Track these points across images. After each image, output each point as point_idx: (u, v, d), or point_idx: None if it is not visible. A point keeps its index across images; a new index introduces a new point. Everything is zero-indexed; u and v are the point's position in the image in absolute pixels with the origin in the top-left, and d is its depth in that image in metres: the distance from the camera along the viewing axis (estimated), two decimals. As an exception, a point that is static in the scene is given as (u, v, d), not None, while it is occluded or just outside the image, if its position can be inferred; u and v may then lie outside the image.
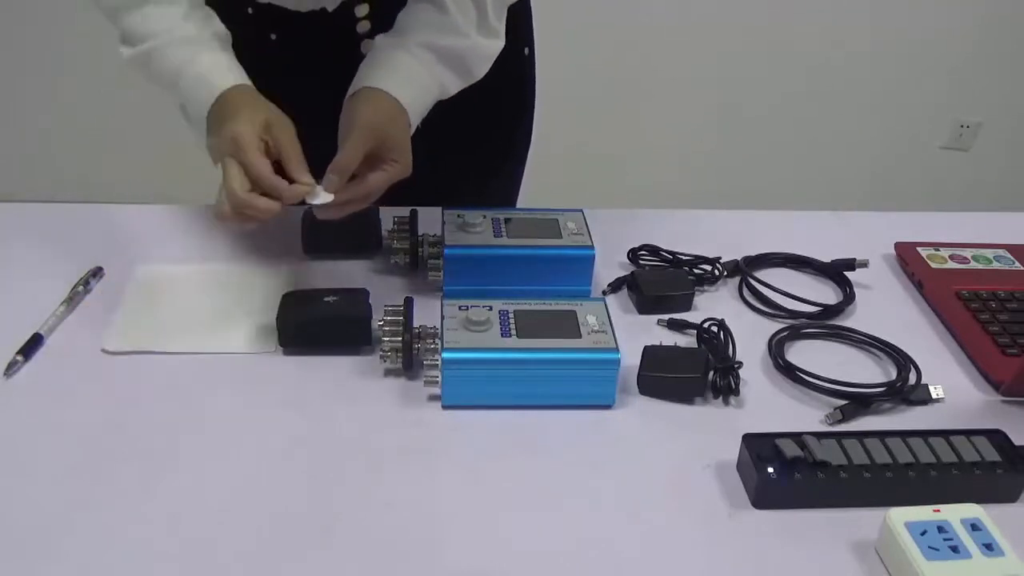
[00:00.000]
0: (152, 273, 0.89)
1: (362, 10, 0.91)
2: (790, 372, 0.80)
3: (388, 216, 0.92)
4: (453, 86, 0.86)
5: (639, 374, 0.77)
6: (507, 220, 0.89)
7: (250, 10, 0.93)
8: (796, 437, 0.68)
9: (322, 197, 0.75)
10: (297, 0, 0.90)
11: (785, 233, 1.02)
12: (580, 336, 0.75)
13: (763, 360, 0.82)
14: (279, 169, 0.74)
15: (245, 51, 0.98)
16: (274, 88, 0.98)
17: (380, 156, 0.77)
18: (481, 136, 1.06)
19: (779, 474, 0.66)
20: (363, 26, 0.92)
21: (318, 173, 0.76)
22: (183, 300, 0.86)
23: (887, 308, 0.92)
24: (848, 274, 0.94)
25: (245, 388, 0.76)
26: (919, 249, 0.98)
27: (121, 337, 0.80)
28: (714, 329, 0.83)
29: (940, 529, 0.61)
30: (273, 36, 0.94)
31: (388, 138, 0.77)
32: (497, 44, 0.87)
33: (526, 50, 1.05)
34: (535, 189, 1.17)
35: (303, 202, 0.75)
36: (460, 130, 1.04)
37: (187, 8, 0.80)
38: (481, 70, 0.87)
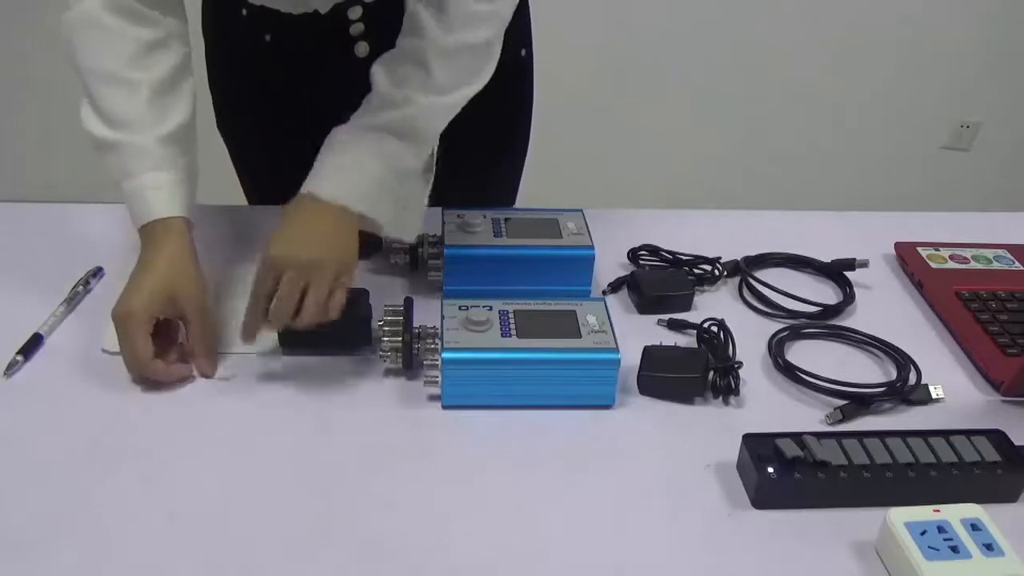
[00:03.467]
0: None
1: (355, 12, 0.91)
2: (790, 372, 0.80)
3: (388, 216, 0.92)
4: (412, 158, 0.81)
5: (639, 374, 0.77)
6: (507, 220, 0.89)
7: (244, 11, 0.93)
8: (796, 437, 0.68)
9: (221, 372, 0.78)
10: (289, 2, 0.89)
11: (785, 233, 1.02)
12: (580, 336, 0.75)
13: (763, 360, 0.82)
14: None
15: (240, 52, 0.99)
16: (269, 88, 0.98)
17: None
18: (479, 136, 1.06)
19: (779, 474, 0.66)
20: (356, 28, 0.92)
21: None
22: None
23: (887, 308, 0.92)
24: (848, 274, 0.94)
25: (245, 388, 0.76)
26: (919, 249, 0.98)
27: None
28: (714, 329, 0.83)
29: (940, 529, 0.61)
30: (267, 37, 0.94)
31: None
32: (457, 96, 0.80)
33: (523, 52, 1.05)
34: (535, 189, 1.17)
35: None
36: (458, 130, 1.04)
37: (147, 95, 0.77)
38: (439, 129, 0.82)
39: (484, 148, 1.07)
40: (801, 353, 0.83)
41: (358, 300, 0.81)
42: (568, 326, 0.76)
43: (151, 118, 0.78)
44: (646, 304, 0.88)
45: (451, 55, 0.78)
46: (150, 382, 0.75)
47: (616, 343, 0.74)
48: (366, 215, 0.76)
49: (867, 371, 0.82)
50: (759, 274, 0.94)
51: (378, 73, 0.79)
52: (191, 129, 0.82)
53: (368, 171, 0.77)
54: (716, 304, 0.90)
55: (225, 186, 1.05)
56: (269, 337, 0.80)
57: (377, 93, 0.79)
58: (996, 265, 0.97)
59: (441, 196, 0.92)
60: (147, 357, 0.74)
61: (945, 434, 0.70)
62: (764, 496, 0.66)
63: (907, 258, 0.98)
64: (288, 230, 0.75)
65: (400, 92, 0.77)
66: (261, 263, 0.74)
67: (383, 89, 0.78)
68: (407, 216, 0.83)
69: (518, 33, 1.04)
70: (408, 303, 0.78)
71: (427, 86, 0.78)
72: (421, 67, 0.77)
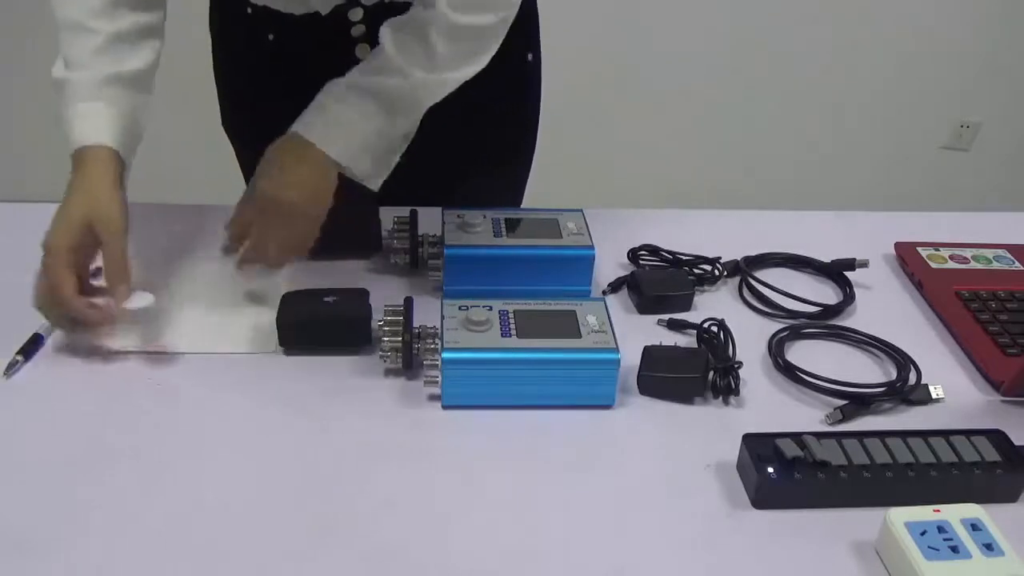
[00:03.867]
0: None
1: (355, 15, 0.91)
2: (790, 372, 0.80)
3: (388, 216, 0.92)
4: (400, 126, 0.84)
5: (639, 374, 0.77)
6: (507, 220, 0.89)
7: (249, 10, 0.93)
8: (796, 437, 0.68)
9: (137, 301, 0.77)
10: (290, 3, 0.90)
11: (785, 233, 1.02)
12: (580, 336, 0.75)
13: (763, 360, 0.82)
14: None
15: (244, 51, 0.99)
16: (272, 87, 0.98)
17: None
18: (484, 139, 1.06)
19: (779, 474, 0.66)
20: (358, 30, 0.92)
21: None
22: (182, 297, 0.86)
23: (887, 308, 0.92)
24: (848, 274, 0.94)
25: (245, 388, 0.76)
26: (919, 249, 0.98)
27: (121, 335, 0.80)
28: (714, 329, 0.83)
29: (940, 529, 0.61)
30: (271, 36, 0.95)
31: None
32: (454, 76, 0.83)
33: (530, 56, 1.05)
34: (535, 189, 1.17)
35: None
36: (463, 132, 1.04)
37: (104, 41, 0.79)
38: (427, 103, 0.85)
39: (491, 154, 1.07)
40: (801, 353, 0.83)
41: (358, 300, 0.81)
42: (568, 326, 0.76)
43: (102, 61, 0.79)
44: (646, 304, 0.88)
45: (455, 34, 0.80)
46: (154, 372, 0.75)
47: (616, 343, 0.74)
48: (346, 167, 0.81)
49: (867, 371, 0.82)
50: (759, 274, 0.94)
51: (385, 35, 0.81)
52: (145, 82, 0.83)
53: (357, 129, 0.80)
54: (716, 304, 0.90)
55: (231, 186, 1.06)
56: (270, 337, 0.80)
57: (380, 53, 0.80)
58: (996, 265, 0.97)
59: (446, 200, 0.92)
60: (67, 292, 0.73)
61: (945, 434, 0.70)
62: (764, 496, 0.66)
63: (907, 258, 0.98)
64: (274, 168, 0.79)
65: (400, 59, 0.79)
66: (247, 199, 0.81)
67: (386, 52, 0.80)
68: (380, 169, 0.85)
69: (525, 37, 1.04)
70: (408, 303, 0.78)
71: (426, 61, 0.80)
72: (424, 40, 0.79)
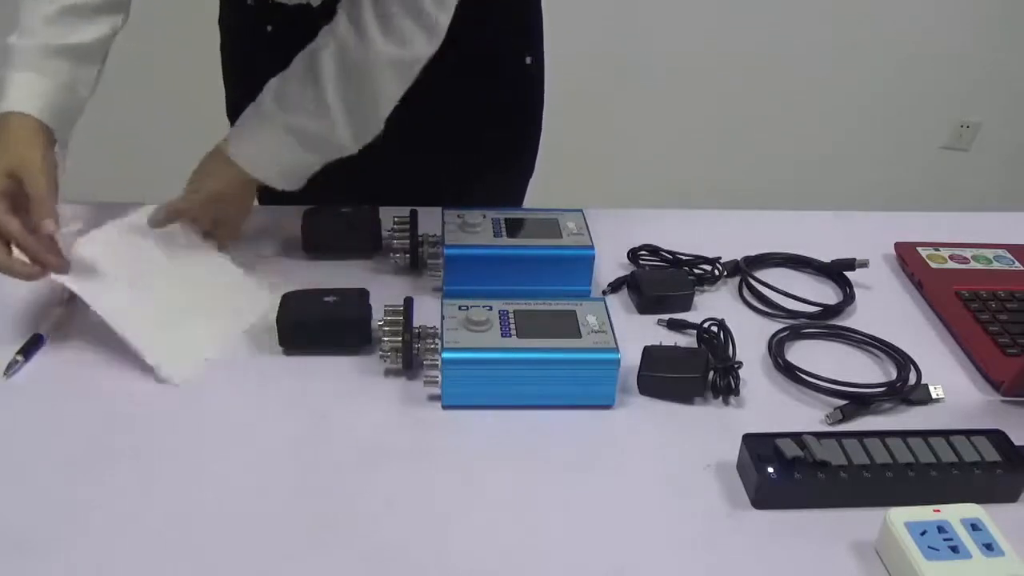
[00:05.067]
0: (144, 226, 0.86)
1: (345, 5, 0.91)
2: (790, 372, 0.80)
3: (388, 216, 0.92)
4: (314, 163, 0.88)
5: (639, 374, 0.77)
6: (507, 220, 0.89)
7: (250, 1, 0.96)
8: (796, 437, 0.68)
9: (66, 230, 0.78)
10: None
11: (785, 233, 1.02)
12: (580, 336, 0.75)
13: (763, 360, 0.82)
14: None
15: (246, 43, 1.00)
16: (270, 79, 0.99)
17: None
18: (484, 141, 1.06)
19: (779, 474, 0.66)
20: None
21: None
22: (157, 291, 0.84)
23: (887, 308, 0.92)
24: (848, 274, 0.94)
25: (245, 388, 0.76)
26: (919, 249, 0.98)
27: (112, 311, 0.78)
28: (714, 329, 0.83)
29: (940, 529, 0.61)
30: (269, 28, 0.96)
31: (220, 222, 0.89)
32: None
33: (528, 59, 1.05)
34: (535, 189, 1.17)
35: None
36: (462, 133, 1.04)
37: (56, 11, 0.81)
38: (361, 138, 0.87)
39: (491, 156, 1.07)
40: (801, 353, 0.83)
41: (358, 300, 0.81)
42: (568, 326, 0.76)
43: (50, 31, 0.81)
44: (646, 304, 0.88)
45: (388, 72, 0.82)
46: (154, 372, 0.75)
47: (616, 343, 0.74)
48: (264, 181, 0.86)
49: (867, 371, 0.82)
50: (759, 274, 0.94)
51: (326, 67, 0.82)
52: (92, 55, 0.84)
53: (278, 158, 0.86)
54: (716, 304, 0.90)
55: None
56: (270, 337, 0.80)
57: (298, 83, 0.84)
58: (996, 265, 0.97)
59: (446, 200, 0.92)
60: (14, 228, 0.74)
61: (945, 434, 0.70)
62: (764, 496, 0.66)
63: (907, 258, 0.98)
64: (205, 178, 0.86)
65: (338, 106, 0.83)
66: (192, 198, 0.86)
67: (302, 89, 0.84)
68: (294, 183, 0.88)
69: (523, 41, 1.04)
70: (408, 303, 0.78)
71: (358, 113, 0.84)
72: (365, 88, 0.82)
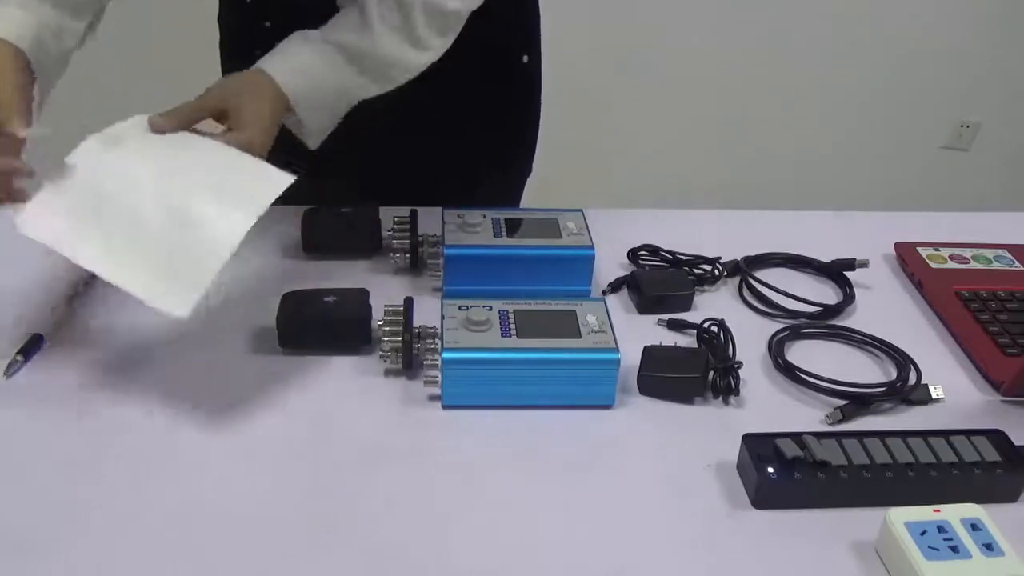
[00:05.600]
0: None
1: (345, 0, 0.91)
2: (790, 372, 0.80)
3: (388, 216, 0.92)
4: (360, 88, 0.85)
5: (639, 374, 0.77)
6: (507, 220, 0.89)
7: None
8: (796, 437, 0.68)
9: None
10: None
11: (785, 233, 1.02)
12: (580, 336, 0.75)
13: (763, 360, 0.82)
14: None
15: (246, 39, 1.00)
16: None
17: (226, 125, 0.78)
18: (483, 140, 1.06)
19: (779, 474, 0.66)
20: None
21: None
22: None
23: (887, 308, 0.92)
24: (848, 274, 0.94)
25: (245, 388, 0.76)
26: (919, 249, 0.98)
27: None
28: (714, 329, 0.83)
29: (940, 529, 0.61)
30: (267, 24, 0.96)
31: (234, 110, 0.78)
32: (422, 57, 0.86)
33: (525, 58, 1.05)
34: (535, 189, 1.17)
35: None
36: (461, 132, 1.04)
37: None
38: (398, 77, 0.86)
39: (489, 155, 1.07)
40: (801, 353, 0.83)
41: (358, 300, 0.81)
42: (568, 326, 0.76)
43: None
44: (646, 304, 0.88)
45: (434, 16, 0.83)
46: (154, 372, 0.75)
47: (616, 343, 0.74)
48: (298, 115, 0.81)
49: (867, 371, 0.82)
50: (759, 274, 0.94)
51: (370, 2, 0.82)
52: (81, 11, 0.83)
53: (322, 83, 0.82)
54: (716, 304, 0.90)
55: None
56: (270, 337, 0.80)
57: (361, 13, 0.82)
58: (996, 265, 0.97)
59: (445, 200, 0.92)
60: None
61: (945, 434, 0.70)
62: (764, 496, 0.66)
63: (907, 258, 0.98)
64: (233, 78, 0.81)
65: (381, 26, 0.81)
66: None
67: (368, 14, 0.81)
68: (325, 124, 0.86)
69: (519, 40, 1.04)
70: (408, 303, 0.78)
71: (404, 33, 0.83)
72: (406, 16, 0.82)
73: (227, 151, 0.75)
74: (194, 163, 0.75)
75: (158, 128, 0.76)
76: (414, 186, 0.99)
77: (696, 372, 0.76)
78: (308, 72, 0.81)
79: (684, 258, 0.94)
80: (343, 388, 0.76)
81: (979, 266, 0.97)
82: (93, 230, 0.69)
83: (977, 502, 0.63)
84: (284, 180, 0.72)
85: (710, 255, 0.94)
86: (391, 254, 0.90)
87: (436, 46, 0.86)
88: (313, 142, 0.86)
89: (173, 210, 0.69)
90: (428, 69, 0.86)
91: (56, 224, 0.70)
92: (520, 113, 1.09)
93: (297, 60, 0.82)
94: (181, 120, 0.78)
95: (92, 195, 0.71)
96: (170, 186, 0.71)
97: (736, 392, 0.77)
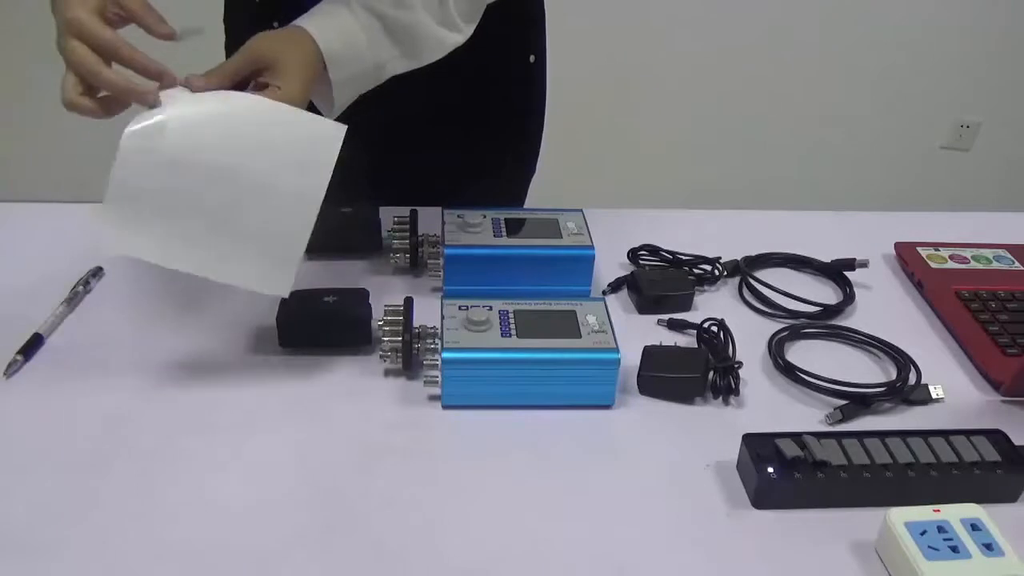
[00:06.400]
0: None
1: None
2: (790, 372, 0.80)
3: (388, 216, 0.92)
4: (394, 60, 0.83)
5: (639, 374, 0.77)
6: (507, 220, 0.89)
7: None
8: (796, 437, 0.68)
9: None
10: None
11: (785, 233, 1.02)
12: (580, 336, 0.75)
13: (763, 360, 0.82)
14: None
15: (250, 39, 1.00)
16: None
17: (265, 79, 0.74)
18: (486, 139, 1.06)
19: (779, 474, 0.66)
20: None
21: None
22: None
23: (887, 308, 0.92)
24: (848, 274, 0.94)
25: (245, 388, 0.76)
26: (919, 249, 0.98)
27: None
28: (714, 329, 0.83)
29: (940, 529, 0.61)
30: (275, 24, 0.95)
31: (276, 63, 0.74)
32: (454, 37, 0.85)
33: (532, 57, 1.05)
34: (536, 189, 1.17)
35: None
36: (464, 132, 1.04)
37: None
38: (430, 55, 0.85)
39: (492, 155, 1.07)
40: (801, 353, 0.83)
41: (358, 300, 0.81)
42: (568, 326, 0.76)
43: None
44: (646, 304, 0.88)
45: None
46: (154, 372, 0.75)
47: (616, 343, 0.74)
48: (330, 76, 0.77)
49: (867, 371, 0.82)
50: (759, 274, 0.94)
51: None
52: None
53: (357, 47, 0.79)
54: (716, 304, 0.90)
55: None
56: (270, 337, 0.80)
57: None
58: (996, 265, 0.97)
59: (447, 200, 0.92)
60: (124, 50, 0.67)
61: (945, 434, 0.70)
62: (764, 496, 0.66)
63: (907, 258, 0.98)
64: (270, 34, 0.76)
65: (418, 3, 0.80)
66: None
67: None
68: (350, 94, 0.82)
69: (526, 39, 1.04)
70: (408, 303, 0.78)
71: (440, 13, 0.83)
72: None
73: (275, 109, 0.70)
74: (248, 130, 0.70)
75: (198, 88, 0.71)
76: (415, 186, 0.99)
77: (696, 372, 0.76)
78: (346, 35, 0.79)
79: (684, 258, 0.94)
80: (343, 388, 0.76)
81: (979, 266, 0.97)
82: (173, 234, 0.67)
83: (977, 502, 0.63)
84: (340, 132, 0.69)
85: (710, 255, 0.94)
86: (391, 254, 0.90)
87: (464, 31, 0.86)
88: (331, 111, 0.83)
89: (245, 190, 0.67)
90: (432, 66, 0.86)
91: (137, 240, 0.67)
92: (526, 113, 1.09)
93: (336, 21, 0.79)
94: (222, 79, 0.73)
95: (158, 197, 0.67)
96: (235, 166, 0.68)
97: (736, 392, 0.77)
